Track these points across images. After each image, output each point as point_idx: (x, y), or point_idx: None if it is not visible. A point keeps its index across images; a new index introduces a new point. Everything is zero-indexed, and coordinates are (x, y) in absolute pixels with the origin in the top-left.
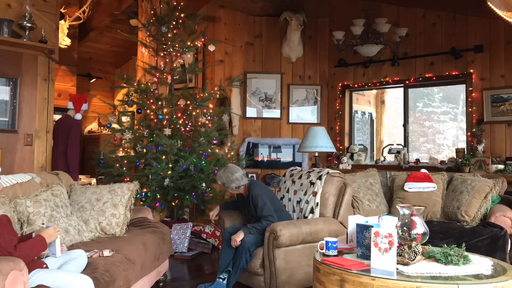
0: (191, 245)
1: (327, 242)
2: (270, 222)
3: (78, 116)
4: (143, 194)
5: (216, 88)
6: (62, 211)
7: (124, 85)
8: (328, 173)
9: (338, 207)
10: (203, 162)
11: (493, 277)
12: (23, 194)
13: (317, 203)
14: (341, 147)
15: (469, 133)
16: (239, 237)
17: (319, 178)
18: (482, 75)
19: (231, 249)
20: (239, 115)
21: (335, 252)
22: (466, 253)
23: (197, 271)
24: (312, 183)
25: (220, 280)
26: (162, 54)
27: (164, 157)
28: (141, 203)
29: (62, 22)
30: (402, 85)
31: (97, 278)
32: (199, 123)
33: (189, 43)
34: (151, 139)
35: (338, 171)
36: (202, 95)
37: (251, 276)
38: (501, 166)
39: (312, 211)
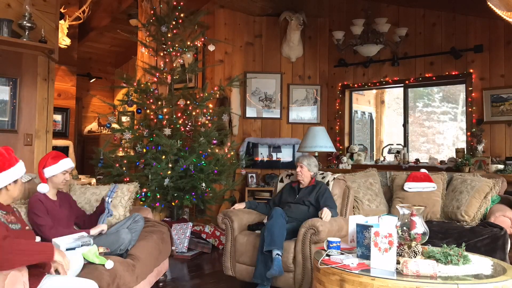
0: (191, 245)
1: (330, 242)
2: (336, 213)
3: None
4: (143, 194)
5: (216, 88)
6: None
7: (124, 85)
8: (334, 178)
9: (345, 208)
10: (203, 162)
11: (493, 277)
12: (23, 194)
13: None
14: (341, 147)
15: (469, 133)
16: (328, 215)
17: (327, 184)
18: (482, 75)
19: (285, 226)
20: (239, 115)
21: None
22: (466, 253)
23: (197, 271)
24: None
25: (279, 257)
26: (162, 54)
27: (164, 157)
28: (141, 203)
29: (62, 22)
30: (402, 85)
31: (98, 278)
32: (199, 123)
33: (189, 43)
34: (151, 139)
35: (343, 175)
36: (202, 95)
37: None
38: (501, 166)
39: None
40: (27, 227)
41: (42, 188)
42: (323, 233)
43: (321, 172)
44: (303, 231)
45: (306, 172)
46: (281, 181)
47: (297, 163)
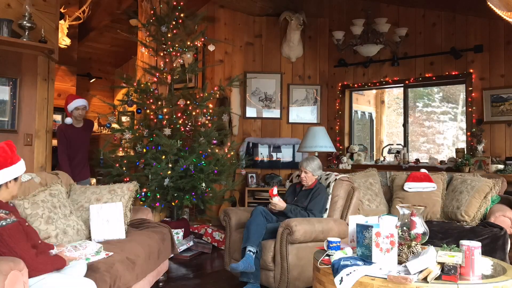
0: (191, 246)
1: (329, 242)
2: (318, 215)
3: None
4: (143, 194)
5: (216, 88)
6: (60, 212)
7: (124, 85)
8: (336, 179)
9: (346, 210)
10: (203, 162)
11: (493, 277)
12: (23, 194)
13: (326, 209)
14: (341, 147)
15: (469, 133)
16: (281, 204)
17: (328, 185)
18: (482, 75)
19: (263, 224)
20: (239, 115)
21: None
22: None
23: (197, 271)
24: None
25: (251, 253)
26: (162, 54)
27: (164, 157)
28: (141, 203)
29: (62, 22)
30: (402, 85)
31: (98, 278)
32: (199, 123)
33: (189, 43)
34: (151, 139)
35: (347, 176)
36: (202, 95)
37: (261, 272)
38: (501, 166)
39: None
40: (26, 223)
41: (67, 120)
42: (298, 233)
43: (327, 172)
44: (280, 231)
45: (311, 177)
46: (291, 181)
47: (301, 168)
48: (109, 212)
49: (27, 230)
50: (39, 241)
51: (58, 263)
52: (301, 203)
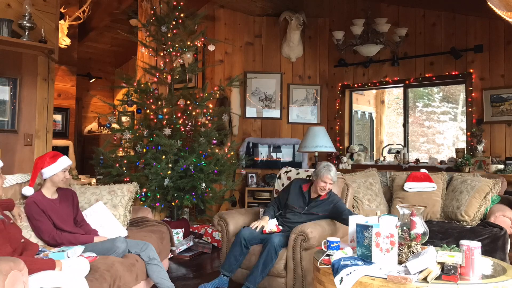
0: (191, 245)
1: (330, 242)
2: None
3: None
4: (143, 194)
5: (216, 88)
6: None
7: (124, 85)
8: None
9: None
10: (203, 162)
11: (493, 277)
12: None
13: None
14: (341, 147)
15: (469, 133)
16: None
17: None
18: (482, 75)
19: (243, 251)
20: (239, 115)
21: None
22: None
23: (197, 271)
24: None
25: (225, 277)
26: (162, 54)
27: (164, 157)
28: (141, 203)
29: (62, 22)
30: (402, 85)
31: (98, 279)
32: (199, 123)
33: (189, 43)
34: (151, 139)
35: (341, 174)
36: (202, 95)
37: (270, 278)
38: (501, 166)
39: None
40: (11, 221)
41: (27, 191)
42: (313, 239)
43: None
44: (293, 237)
45: (328, 181)
46: (279, 177)
47: (326, 180)
48: (97, 217)
49: (8, 229)
50: (22, 240)
51: (44, 266)
52: (316, 211)
